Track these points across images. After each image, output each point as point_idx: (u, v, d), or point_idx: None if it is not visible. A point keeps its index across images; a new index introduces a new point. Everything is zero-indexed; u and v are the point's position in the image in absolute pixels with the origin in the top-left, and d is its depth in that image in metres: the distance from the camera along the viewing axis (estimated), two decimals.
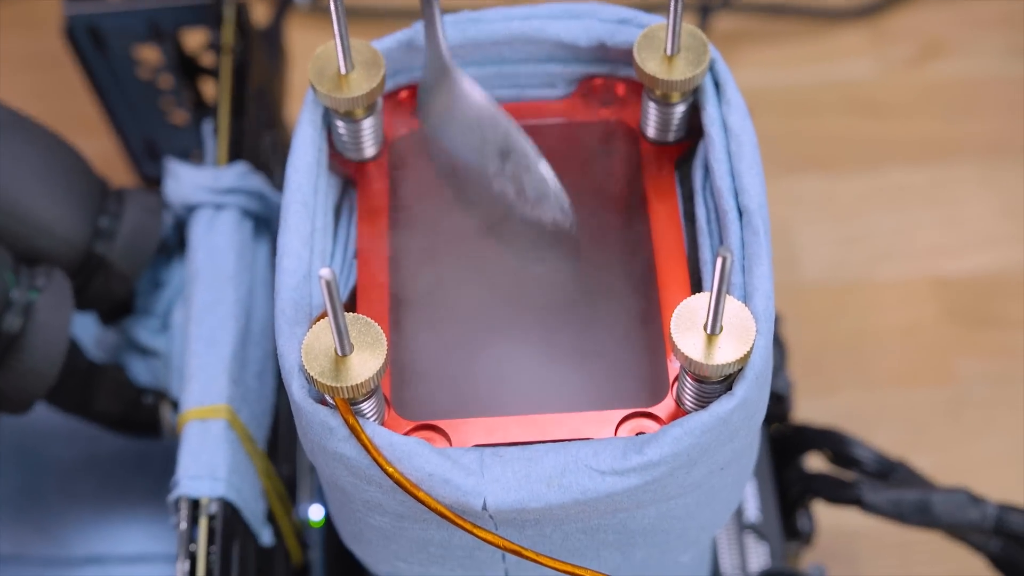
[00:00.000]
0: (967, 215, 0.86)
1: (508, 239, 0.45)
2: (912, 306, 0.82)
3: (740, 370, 0.38)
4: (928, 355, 0.80)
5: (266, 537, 0.52)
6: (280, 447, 0.60)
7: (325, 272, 0.34)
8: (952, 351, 0.80)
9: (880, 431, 0.77)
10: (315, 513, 0.62)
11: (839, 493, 0.55)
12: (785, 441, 0.61)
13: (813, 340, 0.80)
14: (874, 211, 0.86)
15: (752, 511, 0.58)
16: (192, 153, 0.74)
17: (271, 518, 0.54)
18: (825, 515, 0.63)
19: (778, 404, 0.61)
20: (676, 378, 0.40)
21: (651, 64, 0.43)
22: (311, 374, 0.37)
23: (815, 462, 0.61)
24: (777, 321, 0.63)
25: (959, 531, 0.55)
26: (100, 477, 0.64)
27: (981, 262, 0.84)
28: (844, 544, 0.73)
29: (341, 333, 0.36)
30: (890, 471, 0.57)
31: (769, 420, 0.62)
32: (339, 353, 0.37)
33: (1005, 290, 0.83)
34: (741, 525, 0.57)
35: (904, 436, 0.77)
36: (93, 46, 0.66)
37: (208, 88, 0.70)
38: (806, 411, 0.75)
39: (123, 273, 0.53)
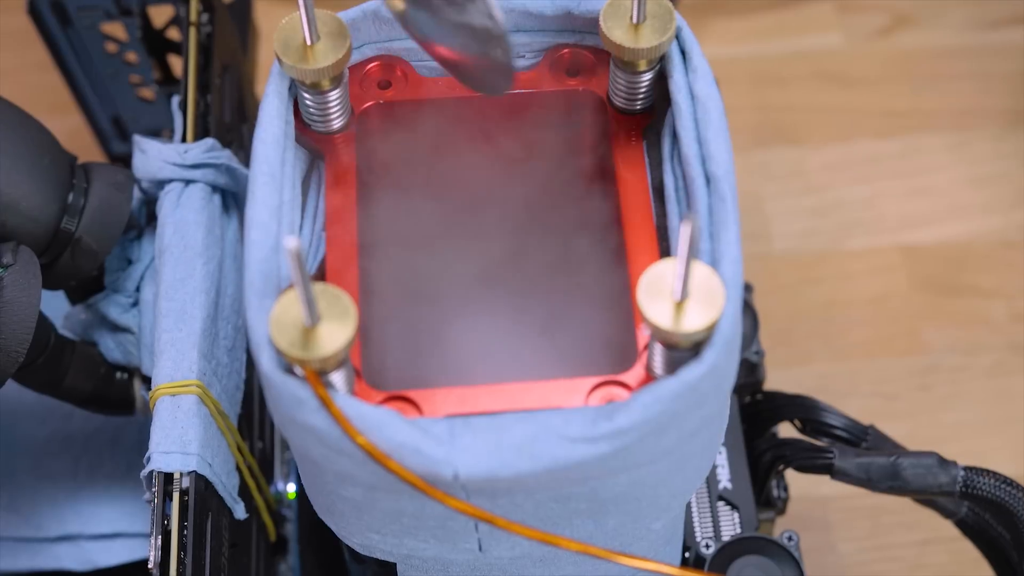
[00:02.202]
0: (936, 185, 0.86)
1: (478, 209, 0.45)
2: (882, 276, 0.83)
3: (709, 336, 0.38)
4: (898, 324, 0.81)
5: (240, 512, 0.52)
6: (254, 422, 0.60)
7: (290, 242, 0.34)
8: (922, 320, 0.81)
9: (851, 400, 0.77)
10: (291, 487, 0.63)
11: (810, 461, 0.56)
12: (757, 410, 0.61)
13: (784, 310, 0.81)
14: (843, 182, 0.87)
15: (724, 480, 0.58)
16: (163, 131, 0.74)
17: (245, 493, 0.54)
18: (797, 482, 0.64)
19: (750, 373, 0.62)
20: (646, 346, 0.40)
21: (617, 32, 0.43)
22: (280, 346, 0.37)
23: (787, 431, 0.62)
24: (748, 291, 0.64)
25: (929, 495, 0.55)
26: (73, 455, 0.64)
27: (950, 231, 0.85)
28: (816, 511, 0.73)
29: (309, 303, 0.36)
30: (861, 437, 0.57)
31: (742, 389, 0.62)
32: (308, 324, 0.37)
33: (974, 259, 0.83)
34: (713, 494, 0.58)
35: (875, 405, 0.78)
36: (58, 22, 0.65)
37: (177, 64, 0.70)
38: (777, 381, 0.76)
39: (92, 249, 0.52)
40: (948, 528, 0.59)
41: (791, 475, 0.60)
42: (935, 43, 0.93)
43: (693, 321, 0.37)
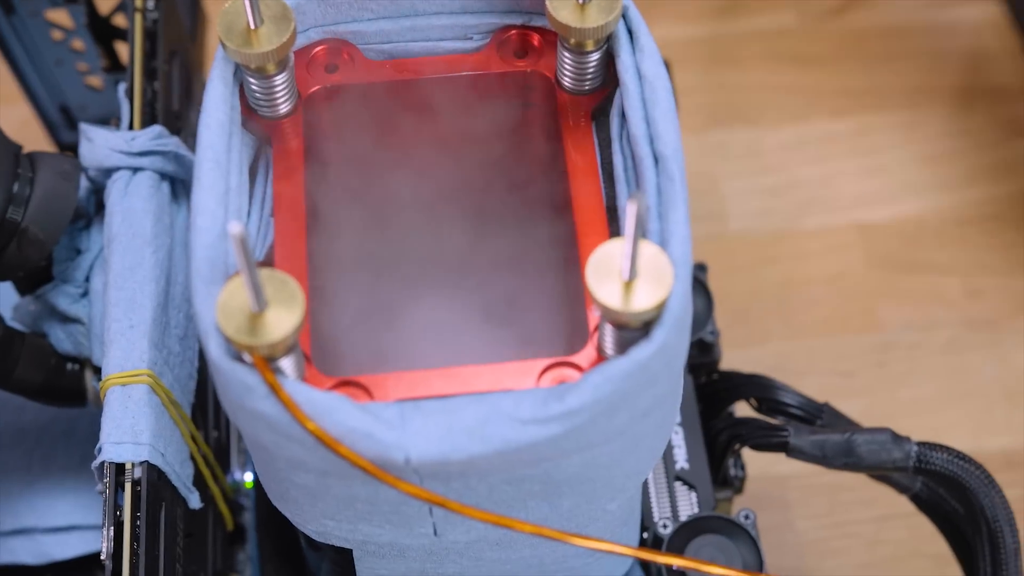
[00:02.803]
0: (890, 163, 0.87)
1: (425, 192, 0.45)
2: (838, 254, 0.83)
3: (659, 316, 0.38)
4: (855, 302, 0.81)
5: (194, 501, 0.52)
6: (208, 411, 0.59)
7: (234, 227, 0.34)
8: (878, 298, 0.82)
9: (809, 378, 0.78)
10: (248, 476, 0.62)
11: (765, 439, 0.56)
12: (713, 390, 0.61)
13: (741, 290, 0.81)
14: (799, 162, 0.87)
15: (681, 460, 0.58)
16: (112, 120, 0.73)
17: (200, 482, 0.54)
18: (755, 461, 0.64)
19: (706, 353, 0.62)
20: (597, 326, 0.40)
21: (564, 12, 0.43)
22: (227, 332, 0.37)
23: (743, 410, 0.62)
24: (703, 271, 0.64)
25: (883, 471, 0.55)
26: (26, 448, 0.63)
27: (905, 209, 0.85)
28: (774, 489, 0.74)
29: (255, 289, 0.36)
30: (816, 415, 0.57)
31: (698, 369, 0.62)
32: (255, 310, 0.37)
33: (928, 236, 0.84)
34: (670, 474, 0.58)
35: (833, 383, 0.78)
36: (2, 10, 0.64)
37: (124, 51, 0.69)
38: (734, 361, 0.76)
39: (38, 239, 0.52)
40: (905, 504, 0.59)
41: (748, 454, 0.61)
42: (887, 22, 0.93)
43: (642, 301, 0.37)
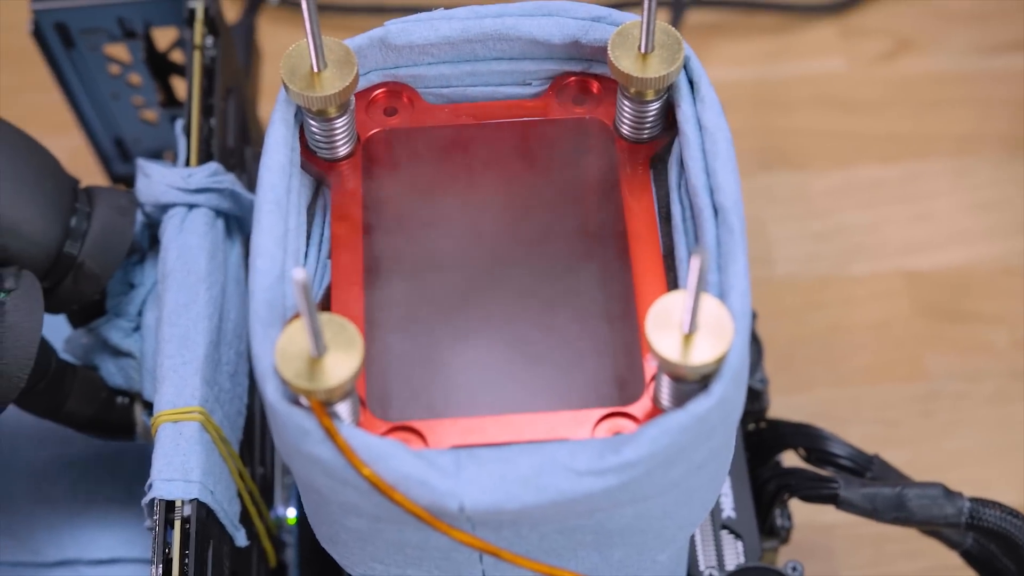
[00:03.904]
0: (938, 210, 0.86)
1: (484, 238, 0.45)
2: (884, 301, 0.83)
3: (717, 369, 0.38)
4: (901, 350, 0.81)
5: (241, 539, 0.52)
6: (255, 448, 0.59)
7: (298, 273, 0.34)
8: (924, 346, 0.81)
9: (853, 427, 0.77)
10: (291, 512, 0.62)
11: (814, 491, 0.55)
12: (761, 438, 0.61)
13: (786, 336, 0.81)
14: (846, 207, 0.87)
15: (728, 509, 0.58)
16: (165, 153, 0.73)
17: (246, 519, 0.54)
18: (800, 509, 0.63)
19: (755, 401, 0.61)
20: (653, 377, 0.40)
21: (625, 62, 0.43)
22: (285, 376, 0.37)
23: (791, 459, 0.61)
24: (754, 319, 0.63)
25: (934, 527, 0.55)
26: (72, 480, 0.64)
27: (952, 257, 0.84)
28: (819, 538, 0.73)
29: (315, 334, 0.36)
30: (866, 467, 0.57)
31: (746, 417, 0.62)
32: (313, 354, 0.37)
33: (976, 285, 0.83)
34: (717, 523, 0.57)
35: (877, 432, 0.78)
36: (61, 43, 0.65)
37: (180, 86, 0.70)
38: (780, 408, 0.75)
39: (94, 273, 0.52)
40: (951, 557, 0.59)
41: (794, 502, 0.60)
42: (937, 68, 0.93)
43: (702, 354, 0.37)
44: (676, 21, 0.89)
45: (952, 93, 0.92)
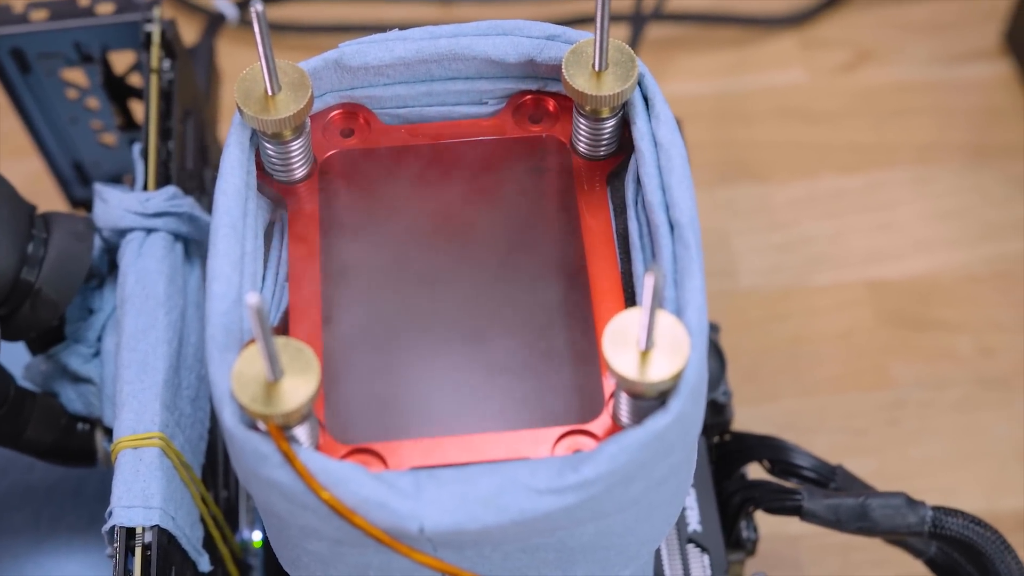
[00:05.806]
0: (901, 219, 0.87)
1: (443, 257, 0.45)
2: (849, 311, 0.83)
3: (675, 385, 0.38)
4: (865, 359, 0.81)
5: (204, 564, 0.51)
6: (218, 471, 0.59)
7: (251, 298, 0.34)
8: (889, 355, 0.81)
9: (820, 436, 0.77)
10: (257, 535, 0.62)
11: (779, 503, 0.56)
12: (725, 451, 0.61)
13: (751, 348, 0.81)
14: (808, 217, 0.87)
15: (694, 522, 0.58)
16: (125, 176, 0.73)
17: (210, 543, 0.53)
18: (766, 520, 0.63)
19: (719, 414, 0.61)
20: (612, 394, 0.40)
21: (580, 80, 0.43)
22: (242, 401, 0.37)
23: (756, 471, 0.61)
24: (715, 331, 0.63)
25: (898, 536, 0.55)
26: (34, 507, 0.63)
27: (916, 266, 0.85)
28: (786, 549, 0.73)
29: (271, 358, 0.36)
30: (830, 477, 0.57)
31: (710, 430, 0.62)
32: (270, 379, 0.37)
33: (940, 293, 0.84)
34: (683, 537, 0.57)
35: (844, 441, 0.78)
36: (18, 69, 0.65)
37: (139, 109, 0.69)
38: (746, 419, 0.76)
39: (52, 300, 0.52)
40: (917, 566, 0.59)
41: (760, 513, 0.60)
42: (897, 78, 0.94)
43: (659, 371, 0.37)
44: (636, 35, 0.90)
45: (913, 102, 0.92)
